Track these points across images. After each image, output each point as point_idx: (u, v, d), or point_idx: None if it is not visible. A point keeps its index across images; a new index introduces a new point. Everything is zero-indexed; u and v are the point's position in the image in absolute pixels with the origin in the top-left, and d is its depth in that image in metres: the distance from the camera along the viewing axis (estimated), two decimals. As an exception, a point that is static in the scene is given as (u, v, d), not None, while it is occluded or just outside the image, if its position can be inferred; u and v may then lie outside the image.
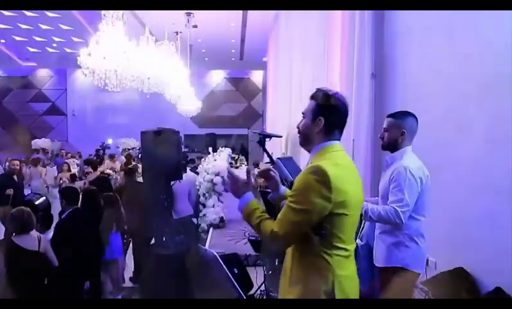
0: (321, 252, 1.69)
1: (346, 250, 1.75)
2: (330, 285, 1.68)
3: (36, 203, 5.84)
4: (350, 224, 1.76)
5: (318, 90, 1.88)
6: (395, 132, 2.65)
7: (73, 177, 8.54)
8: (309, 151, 1.88)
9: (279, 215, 1.71)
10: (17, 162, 7.00)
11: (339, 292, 1.68)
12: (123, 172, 8.60)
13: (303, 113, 1.90)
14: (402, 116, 2.69)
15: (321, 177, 1.64)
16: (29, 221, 3.47)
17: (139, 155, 12.17)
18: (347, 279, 1.74)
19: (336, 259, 1.70)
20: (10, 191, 6.26)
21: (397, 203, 2.48)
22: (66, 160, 11.93)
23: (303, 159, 8.80)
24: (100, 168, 9.24)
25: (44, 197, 6.50)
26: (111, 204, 4.49)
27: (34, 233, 3.52)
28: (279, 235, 1.66)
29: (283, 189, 2.00)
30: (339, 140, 1.85)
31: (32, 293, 3.37)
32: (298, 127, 1.91)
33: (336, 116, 1.83)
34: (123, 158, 12.63)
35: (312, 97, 1.88)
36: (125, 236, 5.42)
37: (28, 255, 3.34)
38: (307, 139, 1.87)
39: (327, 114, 1.81)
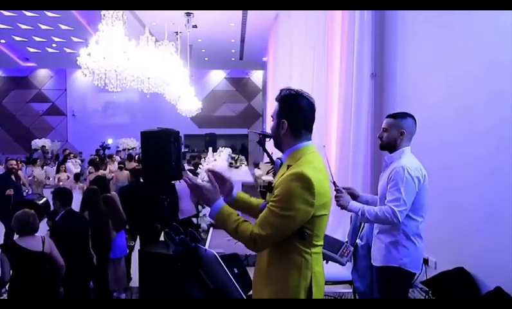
0: (302, 251, 1.73)
1: (321, 245, 1.81)
2: (308, 281, 1.73)
3: (39, 203, 5.98)
4: (326, 221, 1.81)
5: (281, 91, 1.85)
6: (394, 132, 2.65)
7: (77, 177, 8.55)
8: (281, 152, 1.88)
9: (259, 218, 1.72)
10: (14, 162, 7.05)
11: (315, 287, 1.74)
12: (126, 172, 8.67)
13: (272, 116, 1.88)
14: (401, 116, 2.69)
15: (305, 184, 1.65)
16: (34, 223, 3.45)
17: (137, 155, 12.17)
18: (320, 274, 1.79)
19: (314, 256, 1.75)
20: (10, 191, 6.32)
21: (394, 202, 2.48)
22: (69, 161, 11.98)
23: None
24: (103, 170, 9.25)
25: (46, 198, 6.57)
26: (108, 205, 4.51)
27: (38, 234, 3.50)
28: (260, 237, 1.67)
29: (235, 192, 2.01)
30: (310, 139, 1.83)
31: (39, 295, 3.36)
32: (272, 130, 1.90)
33: (300, 116, 1.80)
34: (118, 158, 12.66)
35: (278, 99, 1.84)
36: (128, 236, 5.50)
37: (33, 256, 3.32)
38: (276, 142, 1.86)
39: (289, 116, 1.79)
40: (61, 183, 8.66)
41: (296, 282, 1.72)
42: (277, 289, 1.73)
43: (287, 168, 1.75)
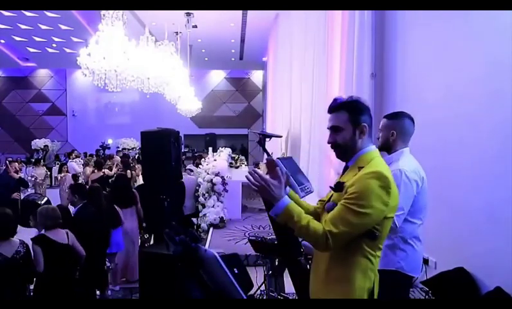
0: (367, 253, 1.74)
1: (381, 249, 1.82)
2: (372, 284, 1.76)
3: (40, 203, 6.12)
4: (391, 225, 1.84)
5: (336, 100, 1.86)
6: (386, 132, 2.63)
7: (75, 177, 8.60)
8: (347, 161, 1.88)
9: (331, 216, 1.71)
10: (17, 163, 7.13)
11: (376, 290, 1.78)
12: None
13: (335, 127, 1.85)
14: (394, 116, 2.66)
15: (383, 183, 1.69)
16: (58, 216, 3.69)
17: (136, 155, 12.20)
18: (378, 277, 1.82)
19: (377, 259, 1.78)
20: (17, 195, 6.38)
21: None
22: (70, 161, 12.01)
23: (303, 159, 8.84)
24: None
25: (46, 198, 6.64)
26: (107, 202, 4.83)
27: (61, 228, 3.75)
28: (332, 234, 1.66)
29: (288, 189, 1.97)
30: (372, 140, 1.88)
31: (67, 285, 3.61)
32: (332, 142, 1.87)
33: (370, 118, 1.86)
34: (118, 158, 12.69)
35: (340, 108, 1.84)
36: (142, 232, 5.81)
37: (61, 248, 3.55)
38: (348, 151, 1.85)
39: (366, 119, 1.83)
40: (62, 184, 8.71)
41: (361, 284, 1.73)
42: (341, 290, 1.74)
43: (358, 169, 1.76)
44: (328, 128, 1.88)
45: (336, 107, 1.85)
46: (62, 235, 3.62)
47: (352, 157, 1.84)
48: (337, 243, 1.68)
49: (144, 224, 5.64)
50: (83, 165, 10.34)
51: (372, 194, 1.66)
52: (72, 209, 4.54)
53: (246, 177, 1.79)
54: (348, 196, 1.70)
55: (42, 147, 17.53)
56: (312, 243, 1.72)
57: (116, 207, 4.97)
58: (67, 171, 9.99)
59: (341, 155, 1.88)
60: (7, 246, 3.14)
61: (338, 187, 1.80)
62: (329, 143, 1.88)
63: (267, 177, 1.76)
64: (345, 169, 1.89)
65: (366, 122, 1.82)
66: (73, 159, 12.87)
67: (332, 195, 1.86)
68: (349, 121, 1.82)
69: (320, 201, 2.03)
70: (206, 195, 7.51)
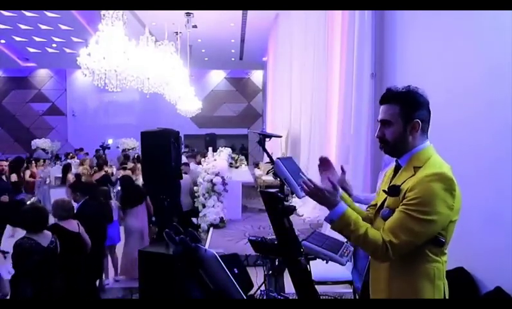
0: (433, 260, 1.63)
1: (446, 254, 1.70)
2: (442, 293, 1.64)
3: (27, 202, 6.16)
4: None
5: (393, 91, 1.69)
6: None
7: (78, 177, 8.61)
8: (398, 157, 1.73)
9: (391, 225, 1.58)
10: (5, 163, 7.02)
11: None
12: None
13: (384, 120, 1.69)
14: None
15: (448, 186, 1.55)
16: (72, 208, 3.96)
17: (136, 155, 12.20)
18: (447, 285, 1.69)
19: (444, 265, 1.67)
20: (5, 198, 6.17)
21: None
22: (68, 160, 12.03)
23: (303, 159, 8.80)
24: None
25: (35, 198, 6.64)
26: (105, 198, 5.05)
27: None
28: (393, 244, 1.54)
29: (341, 191, 1.84)
30: (427, 137, 1.71)
31: (75, 274, 3.78)
32: (380, 137, 1.72)
33: (428, 112, 1.67)
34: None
35: (391, 100, 1.67)
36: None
37: (73, 236, 3.80)
38: (398, 147, 1.69)
39: (420, 114, 1.64)
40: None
41: (430, 295, 1.62)
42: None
43: (414, 170, 1.62)
44: (378, 120, 1.72)
45: (387, 98, 1.68)
46: (74, 225, 3.87)
47: (403, 155, 1.68)
48: (396, 253, 1.55)
49: (153, 219, 5.68)
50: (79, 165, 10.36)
51: (437, 199, 1.52)
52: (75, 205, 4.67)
53: (301, 185, 1.70)
54: (409, 201, 1.56)
55: (43, 147, 17.63)
56: (370, 253, 1.63)
57: (116, 204, 5.14)
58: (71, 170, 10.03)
59: (389, 151, 1.73)
60: (42, 237, 3.33)
61: (393, 190, 1.64)
62: (377, 137, 1.73)
63: (323, 186, 1.66)
64: (397, 169, 1.73)
65: (420, 118, 1.63)
66: (70, 158, 12.89)
67: (385, 199, 1.70)
68: (400, 116, 1.64)
69: (369, 206, 1.92)
70: (206, 195, 7.51)
